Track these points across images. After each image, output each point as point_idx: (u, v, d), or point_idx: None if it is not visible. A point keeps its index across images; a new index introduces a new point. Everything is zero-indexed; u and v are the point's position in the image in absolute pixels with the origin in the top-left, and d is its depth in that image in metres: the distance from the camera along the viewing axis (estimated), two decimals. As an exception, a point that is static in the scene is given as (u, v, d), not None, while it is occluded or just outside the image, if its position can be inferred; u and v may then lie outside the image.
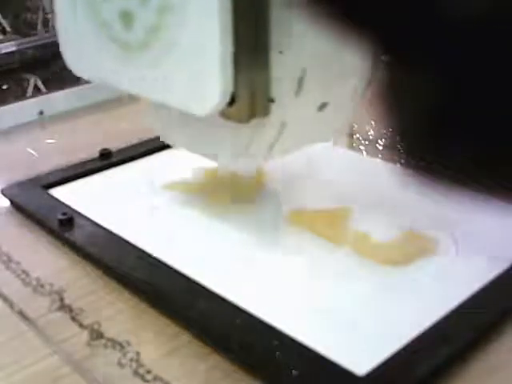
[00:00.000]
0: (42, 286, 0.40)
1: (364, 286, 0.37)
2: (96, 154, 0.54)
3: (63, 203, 0.47)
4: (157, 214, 0.46)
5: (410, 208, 0.43)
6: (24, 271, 0.41)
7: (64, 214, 0.44)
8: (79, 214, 0.45)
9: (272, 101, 0.37)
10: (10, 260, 0.42)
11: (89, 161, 0.54)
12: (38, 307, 0.38)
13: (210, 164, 0.52)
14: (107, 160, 0.54)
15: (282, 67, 0.36)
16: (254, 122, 0.37)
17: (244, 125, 0.37)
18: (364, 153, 0.56)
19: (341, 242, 0.41)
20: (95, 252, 0.41)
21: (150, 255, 0.40)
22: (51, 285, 0.40)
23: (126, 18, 0.37)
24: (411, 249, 0.40)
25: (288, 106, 0.38)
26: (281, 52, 0.36)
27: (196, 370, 0.32)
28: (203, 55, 0.34)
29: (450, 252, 0.40)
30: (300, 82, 0.37)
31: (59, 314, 0.37)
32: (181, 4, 0.34)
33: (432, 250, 0.40)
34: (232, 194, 0.48)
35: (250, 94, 0.35)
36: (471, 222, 0.42)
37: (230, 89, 0.34)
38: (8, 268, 0.42)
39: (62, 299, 0.38)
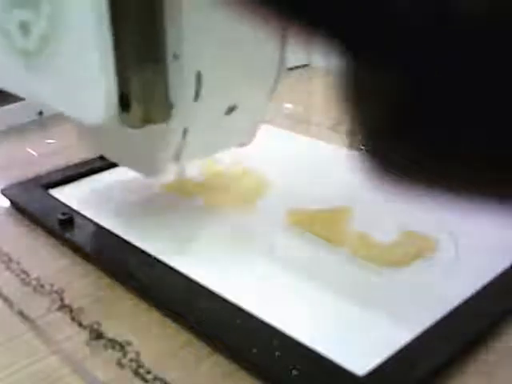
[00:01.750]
0: (42, 286, 0.40)
1: (364, 286, 0.37)
2: (95, 154, 0.54)
3: (63, 203, 0.47)
4: (157, 214, 0.46)
5: (410, 208, 0.43)
6: (24, 271, 0.41)
7: (64, 213, 0.44)
8: (79, 214, 0.45)
9: (171, 106, 0.37)
10: (10, 260, 0.42)
11: (89, 161, 0.54)
12: (37, 307, 0.38)
13: (210, 164, 0.52)
14: (107, 160, 0.54)
15: (179, 71, 0.36)
16: (155, 128, 0.37)
17: (151, 132, 0.37)
18: (359, 152, 0.56)
19: (340, 243, 0.41)
20: (95, 252, 0.41)
21: (150, 255, 0.40)
22: (51, 285, 0.40)
23: (24, 27, 0.38)
24: (411, 249, 0.40)
25: (188, 111, 0.38)
26: (175, 56, 0.35)
27: (196, 370, 0.32)
28: (83, 64, 0.35)
29: (449, 252, 0.40)
30: (198, 86, 0.37)
31: (59, 314, 0.37)
32: (62, 14, 0.34)
33: (432, 250, 0.40)
34: (232, 194, 0.48)
35: (144, 99, 0.35)
36: (471, 221, 0.42)
37: (114, 97, 0.34)
38: (8, 268, 0.42)
39: (62, 299, 0.38)
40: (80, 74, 0.35)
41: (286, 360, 0.31)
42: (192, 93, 0.37)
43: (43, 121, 0.67)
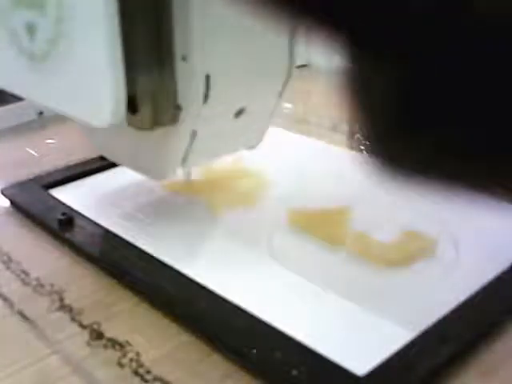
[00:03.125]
0: (42, 286, 0.40)
1: (364, 286, 0.37)
2: (96, 154, 0.54)
3: (63, 203, 0.47)
4: (157, 214, 0.46)
5: (410, 208, 0.43)
6: (24, 271, 0.41)
7: (64, 214, 0.44)
8: (79, 214, 0.45)
9: (179, 108, 0.36)
10: (10, 260, 0.42)
11: (89, 161, 0.54)
12: (37, 307, 0.38)
13: (211, 164, 0.52)
14: (107, 160, 0.54)
15: (187, 73, 0.35)
16: (163, 131, 0.36)
17: (159, 135, 0.37)
18: (364, 153, 0.56)
19: (340, 243, 0.41)
20: (95, 252, 0.41)
21: (149, 255, 0.40)
22: (51, 285, 0.40)
23: (31, 29, 0.37)
24: (411, 249, 0.40)
25: (197, 113, 0.37)
26: (184, 58, 0.35)
27: (196, 370, 0.32)
28: (93, 65, 0.34)
29: (449, 252, 0.40)
30: (206, 88, 0.36)
31: (59, 314, 0.37)
32: (70, 15, 0.34)
33: (432, 250, 0.40)
34: (232, 194, 0.48)
35: (152, 102, 0.35)
36: (471, 222, 0.42)
37: (122, 98, 0.34)
38: (8, 268, 0.42)
39: (61, 299, 0.38)
40: (88, 77, 0.35)
41: (286, 360, 0.31)
42: (201, 95, 0.37)
43: (43, 121, 0.67)
